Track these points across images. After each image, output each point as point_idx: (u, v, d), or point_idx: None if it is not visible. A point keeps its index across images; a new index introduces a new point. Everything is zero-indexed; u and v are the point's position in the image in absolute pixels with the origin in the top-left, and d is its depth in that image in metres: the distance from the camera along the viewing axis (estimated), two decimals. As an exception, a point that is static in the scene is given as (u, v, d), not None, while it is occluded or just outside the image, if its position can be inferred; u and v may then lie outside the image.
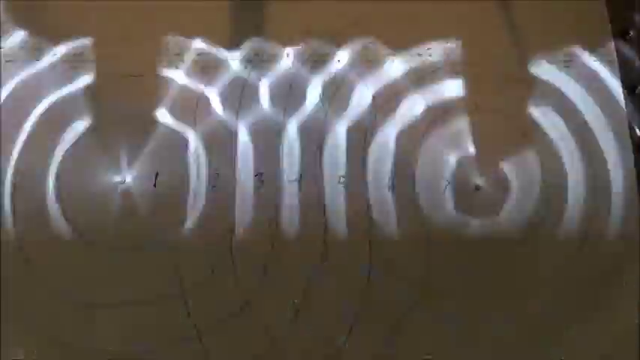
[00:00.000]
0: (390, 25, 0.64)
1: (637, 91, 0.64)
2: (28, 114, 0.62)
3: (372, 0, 0.65)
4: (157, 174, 0.60)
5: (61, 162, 0.61)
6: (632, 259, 0.60)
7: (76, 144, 0.61)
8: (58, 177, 0.60)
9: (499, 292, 0.59)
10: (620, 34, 0.66)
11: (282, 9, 0.65)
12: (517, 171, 0.61)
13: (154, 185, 0.60)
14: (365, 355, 0.58)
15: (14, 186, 0.60)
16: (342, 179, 0.60)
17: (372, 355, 0.58)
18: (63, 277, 0.59)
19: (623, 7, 0.66)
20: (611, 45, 0.65)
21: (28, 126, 0.61)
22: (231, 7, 0.65)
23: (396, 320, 0.58)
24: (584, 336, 0.58)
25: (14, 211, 0.59)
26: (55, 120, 0.62)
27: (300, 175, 0.60)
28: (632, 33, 0.66)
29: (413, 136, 0.62)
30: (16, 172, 0.60)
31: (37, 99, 0.62)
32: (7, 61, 0.62)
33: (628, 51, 0.65)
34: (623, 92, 0.63)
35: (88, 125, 0.62)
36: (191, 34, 0.64)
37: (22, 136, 0.61)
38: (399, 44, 0.64)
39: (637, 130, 0.63)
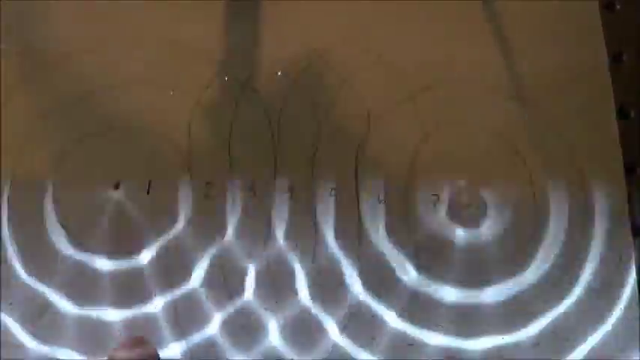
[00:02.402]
0: (386, 43, 0.65)
1: (630, 115, 0.64)
2: (28, 119, 0.63)
3: (375, 22, 0.66)
4: (149, 182, 0.61)
5: (58, 170, 0.61)
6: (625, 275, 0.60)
7: (71, 152, 0.62)
8: (54, 184, 0.61)
9: (488, 306, 0.59)
10: (613, 57, 0.66)
11: (285, 24, 0.66)
12: (505, 189, 0.62)
13: (147, 193, 0.61)
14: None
15: (11, 192, 0.60)
16: (332, 191, 0.61)
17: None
18: (58, 281, 0.59)
19: (617, 31, 0.67)
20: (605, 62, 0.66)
21: (24, 135, 0.62)
22: (230, 19, 0.66)
23: (384, 327, 0.59)
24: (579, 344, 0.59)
25: (11, 219, 0.60)
26: (52, 129, 0.62)
27: (293, 185, 0.61)
28: (625, 57, 0.66)
29: (405, 152, 0.62)
30: (13, 179, 0.61)
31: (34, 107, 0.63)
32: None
33: (622, 74, 0.66)
34: (617, 120, 0.64)
35: (83, 134, 0.62)
36: (184, 54, 0.65)
37: (19, 145, 0.62)
38: (396, 62, 0.65)
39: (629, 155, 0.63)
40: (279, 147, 0.62)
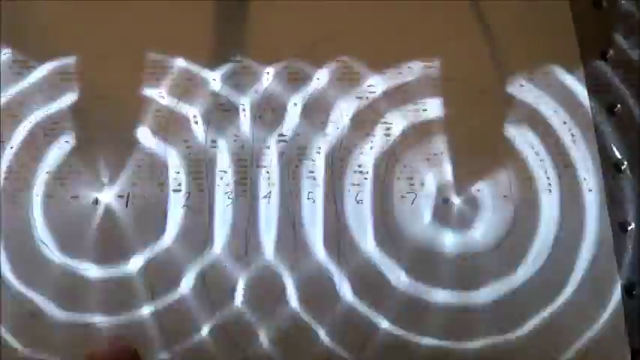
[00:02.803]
0: (370, 44, 0.65)
1: (616, 110, 0.64)
2: (12, 131, 0.62)
3: (353, 20, 0.66)
4: (128, 194, 0.61)
5: (45, 181, 0.61)
6: (607, 271, 0.60)
7: (59, 162, 0.62)
8: (41, 195, 0.61)
9: (467, 301, 0.59)
10: (600, 54, 0.66)
11: (263, 28, 0.66)
12: (491, 188, 0.61)
13: (126, 205, 0.60)
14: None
15: None
16: (310, 194, 0.61)
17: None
18: (34, 295, 0.59)
19: (603, 28, 0.67)
20: (591, 65, 0.65)
21: (12, 144, 0.62)
22: (213, 27, 0.65)
23: (369, 335, 0.58)
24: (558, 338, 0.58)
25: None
26: (39, 138, 0.62)
27: (270, 191, 0.61)
28: (611, 52, 0.66)
29: (388, 152, 0.62)
30: (1, 190, 0.61)
31: (22, 116, 0.63)
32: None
33: (608, 71, 0.65)
34: (600, 113, 0.64)
35: (71, 144, 0.62)
36: (173, 53, 0.65)
37: (7, 155, 0.62)
38: (379, 63, 0.64)
39: (615, 150, 0.63)
40: (254, 151, 0.62)
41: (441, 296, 0.59)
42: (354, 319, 0.58)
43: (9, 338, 0.58)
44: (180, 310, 0.58)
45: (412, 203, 0.61)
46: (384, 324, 0.58)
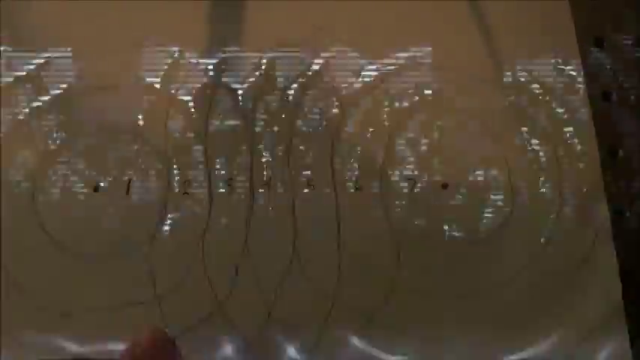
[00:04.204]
0: (367, 32, 0.65)
1: (612, 99, 0.64)
2: (10, 122, 0.62)
3: (347, 10, 0.66)
4: (129, 181, 0.61)
5: (44, 169, 0.61)
6: (605, 257, 0.60)
7: (53, 153, 0.62)
8: (35, 186, 0.61)
9: (467, 289, 0.59)
10: (596, 41, 0.66)
11: (260, 16, 0.66)
12: (485, 172, 0.62)
13: (127, 192, 0.61)
14: (336, 356, 0.58)
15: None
16: (309, 182, 0.61)
17: (343, 356, 0.58)
18: (38, 284, 0.59)
19: (599, 15, 0.67)
20: (586, 53, 0.65)
21: (5, 135, 0.62)
22: (209, 15, 0.66)
23: (365, 320, 0.58)
24: (556, 326, 0.58)
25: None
26: (33, 129, 0.62)
27: (270, 179, 0.61)
28: (607, 40, 0.66)
29: (381, 137, 0.62)
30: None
31: (20, 107, 0.63)
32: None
33: (603, 58, 0.66)
34: (596, 99, 0.64)
35: (65, 134, 0.62)
36: (169, 41, 0.65)
37: (6, 145, 0.61)
38: (376, 50, 0.65)
39: (611, 137, 0.63)
40: (254, 141, 0.62)
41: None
42: (353, 297, 0.59)
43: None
44: (181, 297, 0.58)
45: (412, 189, 0.61)
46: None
